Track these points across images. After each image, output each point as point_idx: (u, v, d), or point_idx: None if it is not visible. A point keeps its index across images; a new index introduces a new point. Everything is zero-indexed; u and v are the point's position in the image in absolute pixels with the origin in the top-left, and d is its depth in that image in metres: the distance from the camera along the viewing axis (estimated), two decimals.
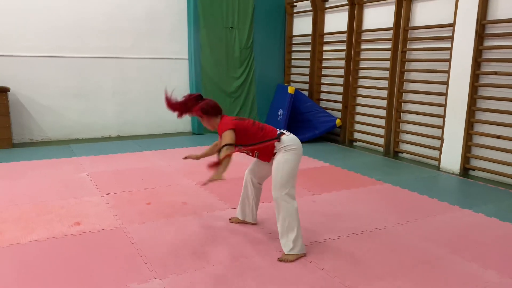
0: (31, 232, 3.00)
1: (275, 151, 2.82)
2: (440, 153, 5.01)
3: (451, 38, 4.79)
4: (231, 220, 3.26)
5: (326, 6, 6.67)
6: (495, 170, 4.54)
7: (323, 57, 6.84)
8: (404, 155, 5.61)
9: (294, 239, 2.69)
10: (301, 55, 7.36)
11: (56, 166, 4.80)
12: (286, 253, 2.70)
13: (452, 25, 4.78)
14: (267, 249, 2.81)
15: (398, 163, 5.33)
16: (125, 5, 6.42)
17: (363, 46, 6.11)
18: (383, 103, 5.76)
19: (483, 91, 4.64)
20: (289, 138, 2.85)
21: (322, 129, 6.38)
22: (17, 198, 3.71)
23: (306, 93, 7.03)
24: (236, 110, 7.26)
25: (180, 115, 2.92)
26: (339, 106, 6.54)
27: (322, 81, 6.93)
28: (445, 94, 4.91)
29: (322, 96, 6.96)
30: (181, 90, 7.03)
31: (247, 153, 2.92)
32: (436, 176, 4.75)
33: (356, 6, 6.01)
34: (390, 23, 5.54)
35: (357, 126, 6.34)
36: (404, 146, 5.62)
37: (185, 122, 7.14)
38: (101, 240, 2.91)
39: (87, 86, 6.38)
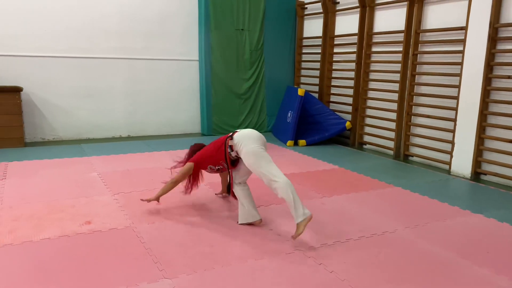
0: (43, 230, 3.04)
1: (233, 154, 3.15)
2: (451, 157, 4.97)
3: (463, 41, 4.75)
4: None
5: (337, 8, 6.66)
6: (507, 174, 4.49)
7: (334, 59, 6.83)
8: (415, 158, 5.58)
9: (296, 209, 2.86)
10: (311, 57, 7.35)
11: (67, 165, 4.85)
12: (297, 224, 2.86)
13: (464, 28, 4.74)
14: (276, 250, 2.81)
15: (408, 166, 5.30)
16: (137, 7, 6.47)
17: (374, 49, 6.09)
18: (394, 106, 5.73)
19: (495, 95, 4.60)
20: (238, 135, 3.18)
21: (331, 132, 6.37)
22: (29, 196, 3.76)
23: (316, 95, 7.03)
24: (245, 111, 7.27)
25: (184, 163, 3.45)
26: (349, 108, 6.52)
27: (332, 83, 6.92)
28: (456, 98, 4.87)
29: (332, 98, 6.94)
30: (191, 91, 7.08)
31: (220, 170, 3.31)
32: (446, 180, 4.71)
33: (367, 8, 5.99)
34: (401, 25, 5.52)
35: (367, 129, 6.31)
36: (414, 150, 5.58)
37: (195, 123, 7.17)
38: (111, 239, 2.93)
39: (98, 87, 6.44)
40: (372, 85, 6.17)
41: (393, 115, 5.75)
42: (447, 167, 5.08)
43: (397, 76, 5.65)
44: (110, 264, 2.59)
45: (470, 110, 4.72)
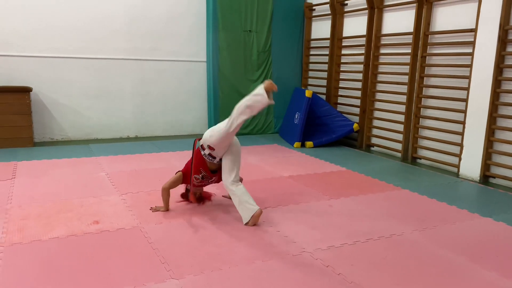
0: (51, 229, 3.06)
1: (207, 151, 3.34)
2: (460, 159, 4.93)
3: (472, 44, 4.72)
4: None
5: (345, 10, 6.65)
6: None
7: (341, 61, 6.82)
8: (422, 161, 5.54)
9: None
10: (319, 58, 7.34)
11: (76, 165, 4.88)
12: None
13: (473, 30, 4.71)
14: (282, 252, 2.81)
15: (416, 169, 5.27)
16: (146, 8, 6.50)
17: (382, 51, 6.06)
18: (402, 108, 5.70)
19: (505, 98, 4.56)
20: (205, 132, 3.44)
21: (339, 133, 6.35)
22: (38, 195, 3.79)
23: (324, 96, 7.01)
24: None
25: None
26: (356, 110, 6.50)
27: (340, 85, 6.90)
28: (465, 100, 4.84)
29: (340, 100, 6.92)
30: (199, 92, 7.10)
31: (205, 178, 3.45)
32: (455, 183, 4.68)
33: (376, 10, 5.97)
34: (410, 27, 5.50)
35: (375, 131, 6.29)
36: (422, 152, 5.55)
37: (202, 124, 7.18)
38: (119, 239, 2.95)
39: (107, 87, 6.48)
40: (380, 87, 6.14)
41: (401, 117, 5.73)
42: (455, 170, 5.04)
43: (405, 78, 5.62)
44: (117, 263, 2.60)
45: (479, 113, 4.69)
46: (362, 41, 6.29)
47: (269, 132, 7.46)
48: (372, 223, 3.36)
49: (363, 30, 6.23)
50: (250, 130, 7.25)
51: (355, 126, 6.26)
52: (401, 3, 5.65)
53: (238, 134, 3.53)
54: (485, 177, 4.73)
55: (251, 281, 2.44)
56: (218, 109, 7.00)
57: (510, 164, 4.50)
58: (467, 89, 4.81)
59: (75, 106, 6.32)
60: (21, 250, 2.74)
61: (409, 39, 5.55)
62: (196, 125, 7.18)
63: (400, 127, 5.75)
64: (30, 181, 4.20)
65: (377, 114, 6.23)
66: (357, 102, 6.46)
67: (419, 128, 5.54)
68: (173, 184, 3.46)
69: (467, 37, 4.86)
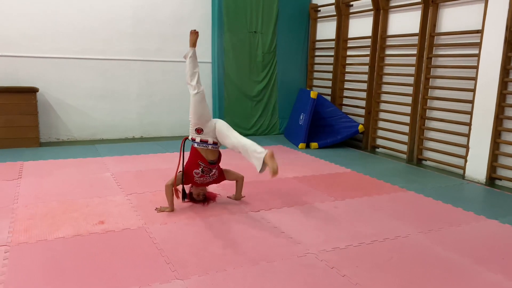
0: (57, 229, 3.08)
1: (198, 138, 3.63)
2: (465, 161, 4.91)
3: (479, 45, 4.70)
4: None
5: (351, 11, 6.64)
6: None
7: (347, 62, 6.81)
8: (428, 162, 5.52)
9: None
10: (324, 59, 7.34)
11: (82, 165, 4.90)
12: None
13: (480, 31, 4.69)
14: (287, 253, 2.80)
15: (421, 170, 5.25)
16: (152, 9, 6.53)
17: (388, 52, 6.05)
18: (407, 109, 5.68)
19: (511, 99, 4.53)
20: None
21: (344, 135, 6.34)
22: (44, 195, 3.81)
23: (329, 98, 7.01)
24: (257, 114, 7.28)
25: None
26: (362, 111, 6.49)
27: (345, 86, 6.89)
28: (471, 102, 4.82)
29: (345, 101, 6.91)
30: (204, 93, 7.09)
31: (205, 171, 3.50)
32: (460, 185, 4.65)
33: (381, 11, 5.96)
34: (416, 28, 5.48)
35: (380, 132, 6.27)
36: (428, 154, 5.53)
37: None
38: (124, 239, 2.96)
39: (112, 88, 6.51)
40: (385, 88, 6.13)
41: (407, 119, 5.71)
42: (461, 171, 5.02)
43: (411, 80, 5.60)
44: (122, 264, 2.61)
45: (485, 114, 4.66)
46: (368, 42, 6.27)
47: (274, 133, 7.46)
48: (377, 225, 3.35)
49: (368, 31, 6.22)
50: (255, 131, 7.25)
51: (360, 127, 6.25)
52: (406, 4, 5.63)
53: (243, 135, 3.54)
54: (491, 179, 4.70)
55: (256, 282, 2.44)
56: (223, 110, 7.01)
57: None
58: (473, 90, 4.79)
59: (81, 106, 6.35)
60: (27, 249, 2.76)
61: (414, 40, 5.53)
62: None
63: (406, 129, 5.73)
64: (36, 181, 4.23)
65: (382, 115, 6.21)
66: (362, 103, 6.45)
67: (425, 130, 5.52)
68: (176, 181, 3.45)
69: (473, 39, 4.84)
